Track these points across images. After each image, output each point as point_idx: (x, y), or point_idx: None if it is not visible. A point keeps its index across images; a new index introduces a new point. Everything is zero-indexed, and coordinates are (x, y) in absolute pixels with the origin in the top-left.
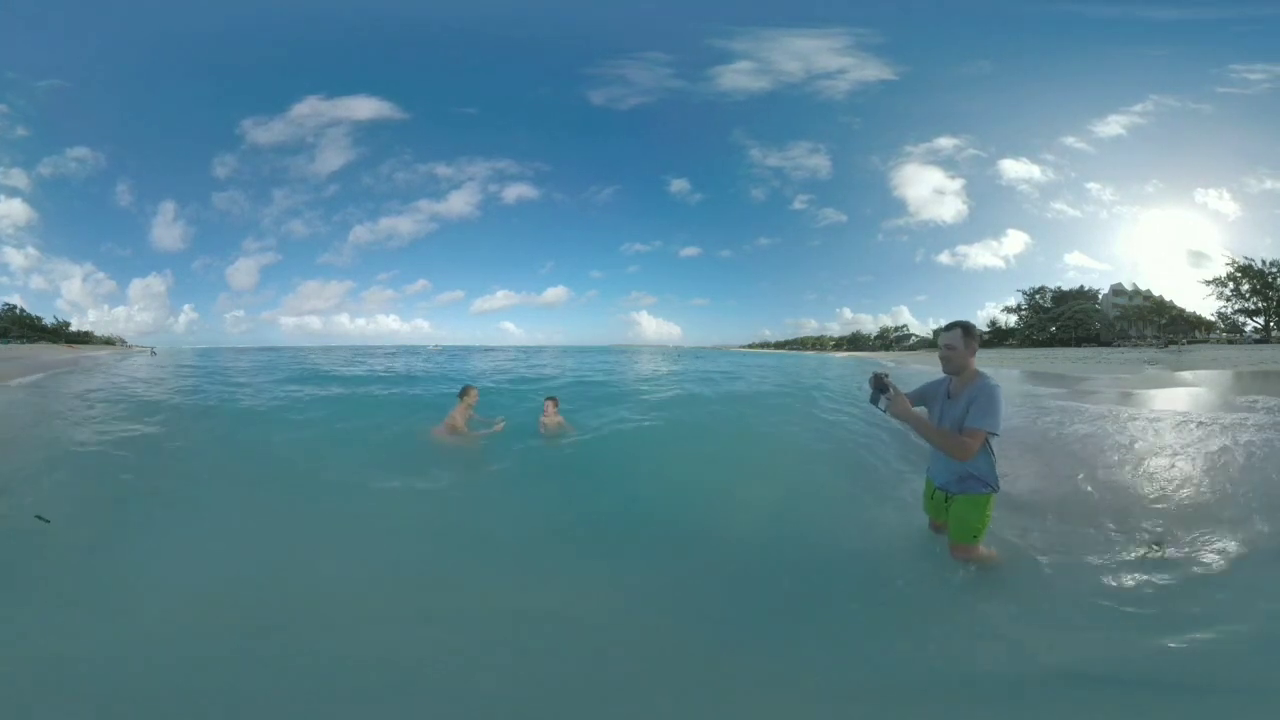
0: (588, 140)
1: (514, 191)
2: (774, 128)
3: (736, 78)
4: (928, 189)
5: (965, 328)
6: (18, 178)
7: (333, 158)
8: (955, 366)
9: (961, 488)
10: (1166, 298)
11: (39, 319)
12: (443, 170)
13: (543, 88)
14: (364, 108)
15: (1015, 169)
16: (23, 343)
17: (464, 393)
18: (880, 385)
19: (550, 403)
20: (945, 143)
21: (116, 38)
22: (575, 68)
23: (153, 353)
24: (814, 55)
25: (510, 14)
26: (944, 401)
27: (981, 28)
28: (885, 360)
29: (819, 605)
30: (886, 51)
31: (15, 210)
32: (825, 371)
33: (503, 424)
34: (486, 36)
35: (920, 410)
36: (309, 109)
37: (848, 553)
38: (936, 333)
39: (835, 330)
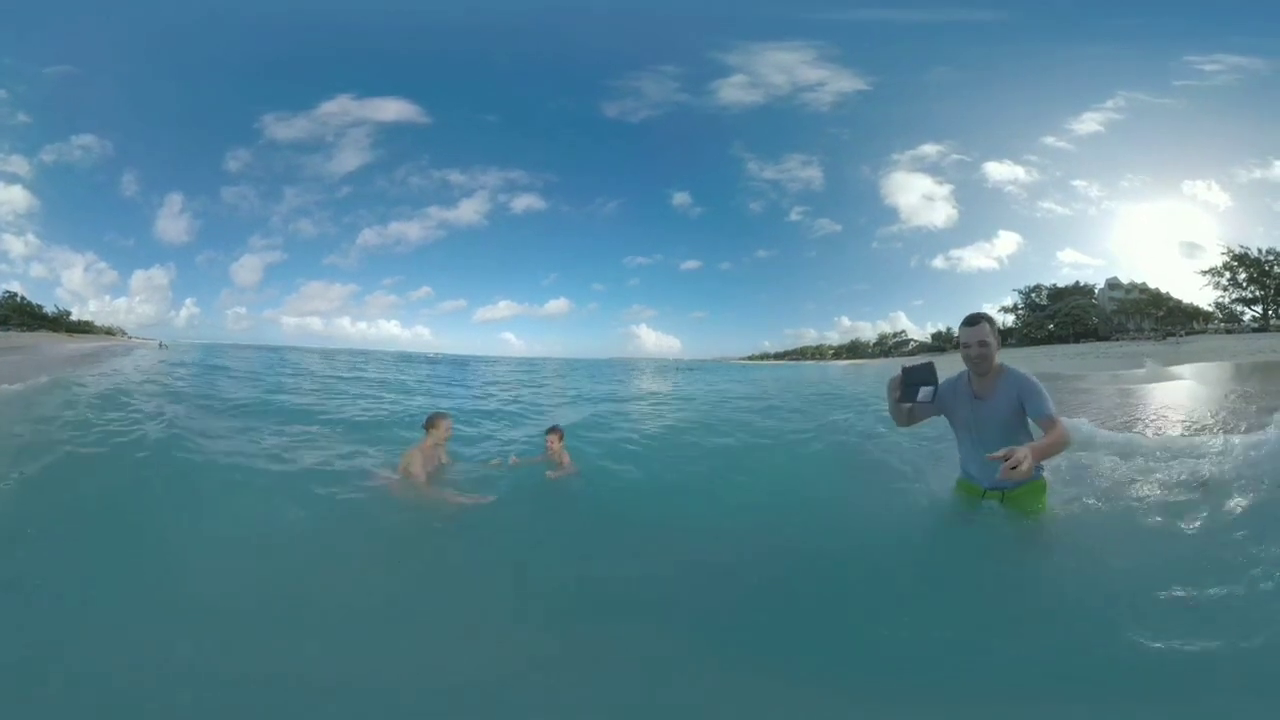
0: (597, 152)
1: (523, 202)
2: (768, 140)
3: (733, 91)
4: (917, 196)
5: (990, 319)
6: (18, 164)
7: (350, 158)
8: (989, 364)
9: (1021, 480)
10: (1163, 290)
11: (40, 307)
12: (456, 177)
13: (563, 98)
14: (392, 109)
15: (1000, 171)
16: (23, 330)
17: (431, 423)
18: (924, 375)
19: (553, 436)
20: (929, 149)
21: (137, 26)
22: (598, 79)
23: (161, 345)
24: (794, 68)
25: (549, 21)
26: (971, 403)
27: (925, 35)
28: (871, 366)
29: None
30: (849, 62)
31: (15, 197)
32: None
33: (488, 499)
34: (520, 43)
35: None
36: (338, 107)
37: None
38: (937, 337)
39: (834, 339)
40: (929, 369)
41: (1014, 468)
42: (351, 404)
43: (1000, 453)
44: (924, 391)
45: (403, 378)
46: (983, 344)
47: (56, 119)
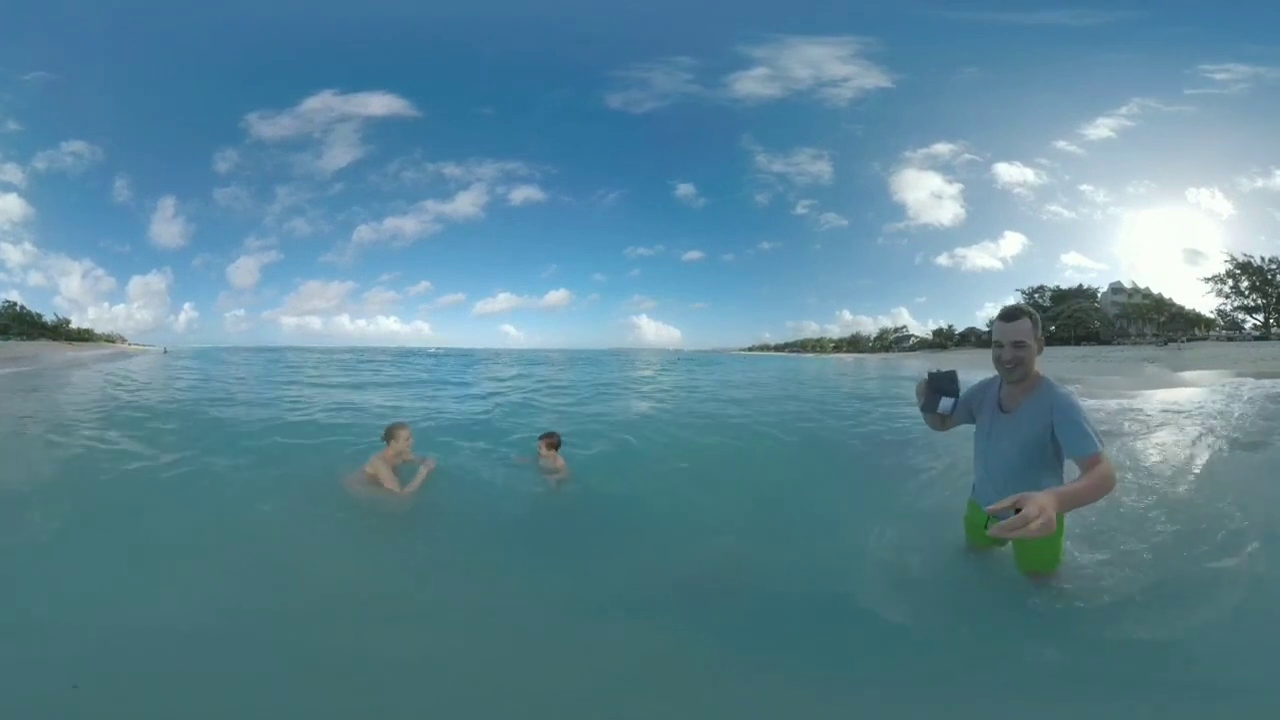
0: (600, 143)
1: (521, 193)
2: (780, 134)
3: (750, 84)
4: (926, 193)
5: (1033, 315)
6: (12, 172)
7: (340, 155)
8: (1025, 371)
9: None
10: (1165, 295)
11: (39, 316)
12: (451, 170)
13: (563, 89)
14: (378, 104)
15: (1010, 172)
16: (23, 339)
17: (390, 434)
18: (946, 384)
19: (543, 442)
20: (942, 148)
21: (108, 29)
22: (600, 69)
23: (164, 351)
24: (824, 63)
25: (545, 15)
26: (994, 415)
27: (965, 36)
28: (871, 360)
29: (832, 612)
30: (885, 60)
31: (11, 205)
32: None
33: (433, 463)
34: (515, 36)
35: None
36: (321, 104)
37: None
38: (938, 333)
39: (835, 332)
40: (951, 378)
41: (1024, 524)
42: None
43: (1006, 502)
44: (944, 403)
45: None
46: (1018, 345)
47: (45, 126)
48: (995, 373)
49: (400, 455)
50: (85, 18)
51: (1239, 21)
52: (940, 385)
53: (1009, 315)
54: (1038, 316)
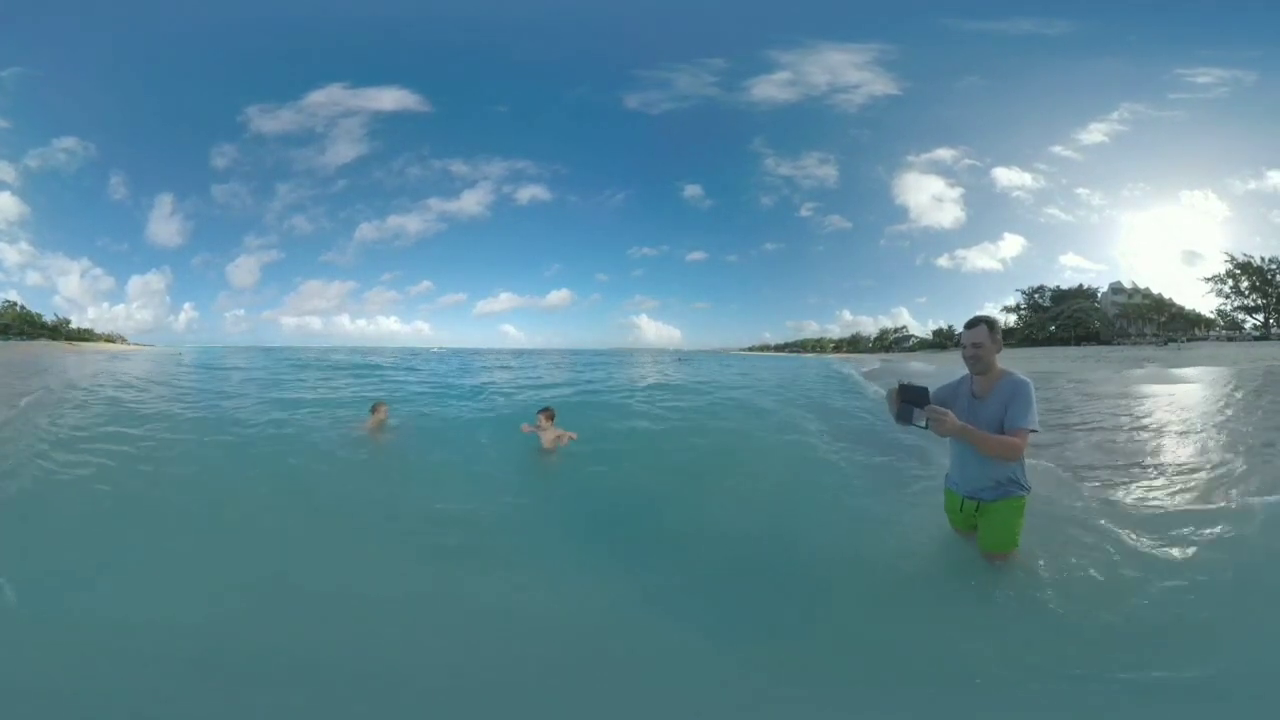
0: (612, 144)
1: (528, 193)
2: (791, 138)
3: (769, 88)
4: (928, 196)
5: (989, 323)
6: (3, 170)
7: (344, 150)
8: (984, 365)
9: (999, 493)
10: (1165, 296)
11: (39, 316)
12: (459, 168)
13: (582, 88)
14: (389, 99)
15: (1009, 177)
16: (23, 339)
17: (374, 409)
18: (917, 397)
19: (543, 415)
20: (944, 153)
21: (87, 20)
22: (626, 69)
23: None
24: (842, 69)
25: (581, 13)
26: (969, 401)
27: (968, 44)
28: (872, 360)
29: (830, 601)
30: (897, 67)
31: (5, 204)
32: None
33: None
34: (546, 33)
35: None
36: (326, 98)
37: (859, 550)
38: (938, 333)
39: (835, 332)
40: (923, 393)
41: (941, 415)
42: None
43: (936, 409)
44: (918, 414)
45: None
46: (976, 345)
47: (34, 122)
48: (963, 375)
49: (380, 422)
50: (56, 8)
51: (1197, 26)
52: (912, 398)
53: (970, 324)
54: (996, 323)
